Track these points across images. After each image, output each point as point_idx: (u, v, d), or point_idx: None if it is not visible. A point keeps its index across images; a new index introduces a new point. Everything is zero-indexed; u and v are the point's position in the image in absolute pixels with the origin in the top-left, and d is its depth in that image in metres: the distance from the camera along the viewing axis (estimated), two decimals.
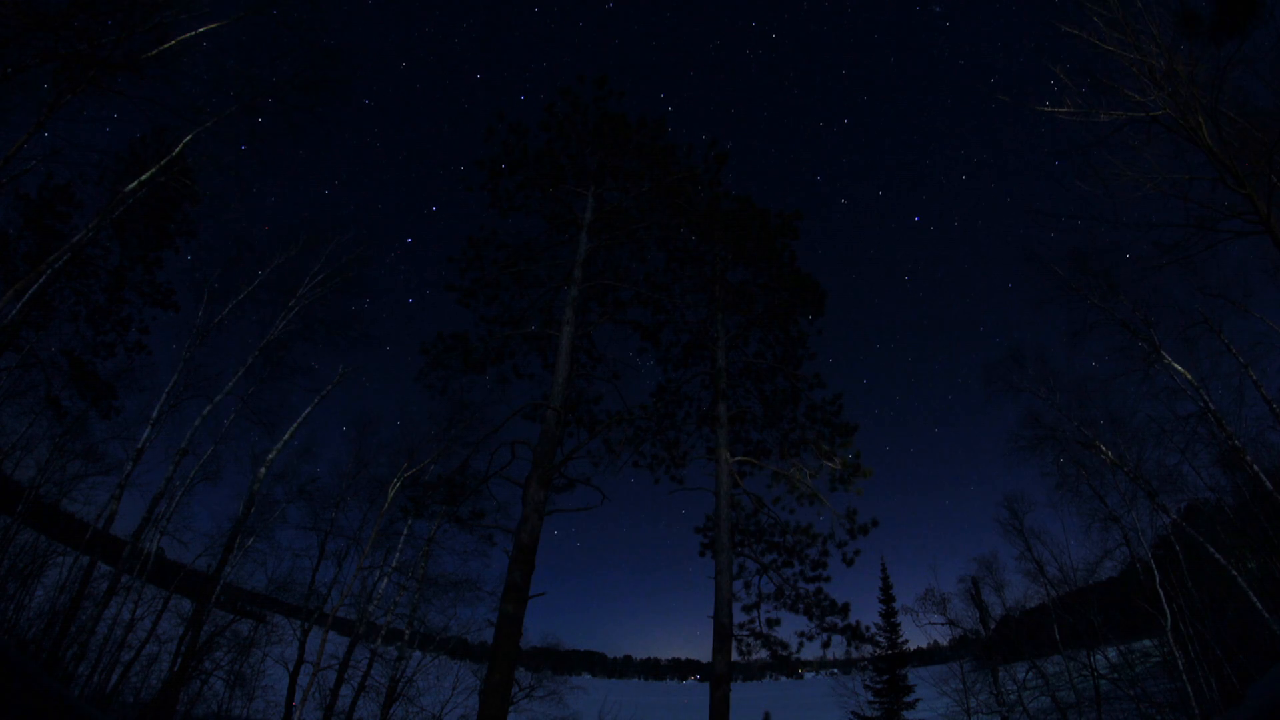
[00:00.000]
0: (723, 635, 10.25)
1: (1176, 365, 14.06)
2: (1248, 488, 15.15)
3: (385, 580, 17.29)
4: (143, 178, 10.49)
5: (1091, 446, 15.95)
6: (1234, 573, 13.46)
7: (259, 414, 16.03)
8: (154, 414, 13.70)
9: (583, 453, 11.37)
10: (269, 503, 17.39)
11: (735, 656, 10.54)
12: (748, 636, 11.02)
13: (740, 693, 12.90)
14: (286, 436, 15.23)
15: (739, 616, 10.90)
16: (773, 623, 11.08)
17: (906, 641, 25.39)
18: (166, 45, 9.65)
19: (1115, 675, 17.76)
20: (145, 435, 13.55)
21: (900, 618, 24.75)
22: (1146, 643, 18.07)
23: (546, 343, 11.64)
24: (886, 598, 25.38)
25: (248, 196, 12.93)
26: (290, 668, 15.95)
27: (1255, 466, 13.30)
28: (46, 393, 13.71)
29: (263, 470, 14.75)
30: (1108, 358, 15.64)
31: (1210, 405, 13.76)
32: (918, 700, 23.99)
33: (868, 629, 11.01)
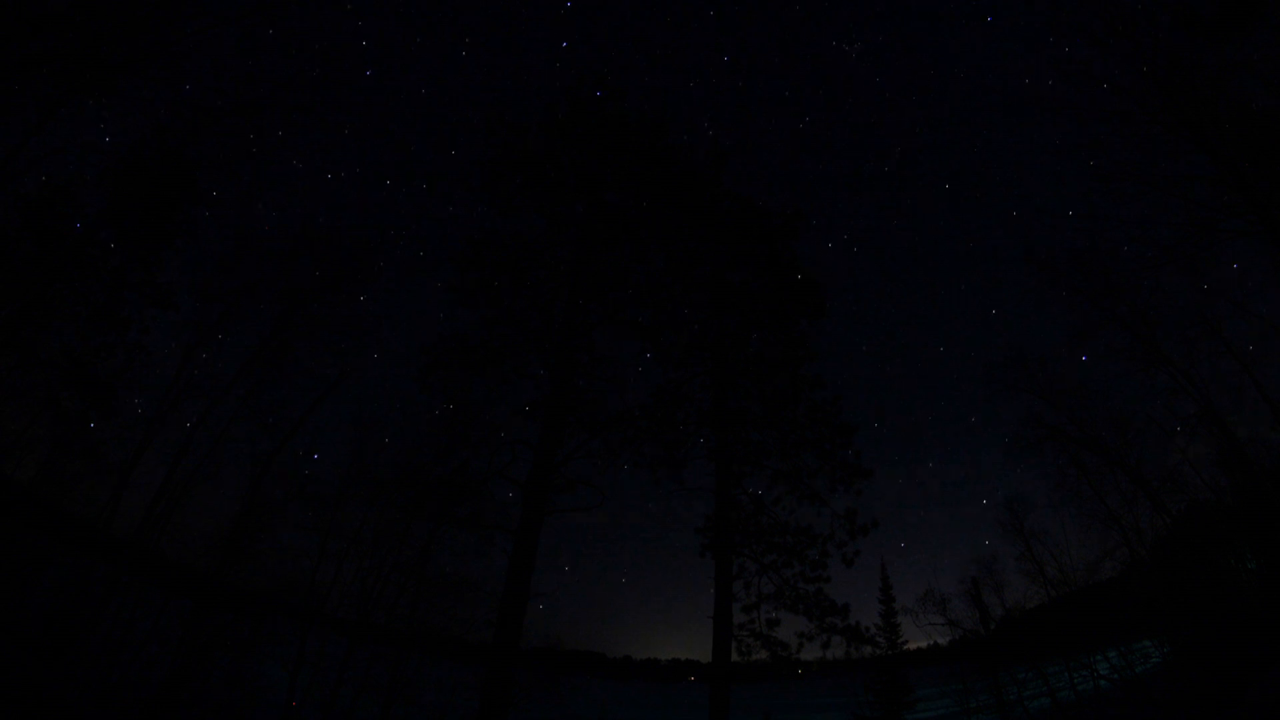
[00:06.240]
0: (723, 635, 10.24)
1: (1176, 365, 14.06)
2: (1248, 487, 15.14)
3: (385, 580, 17.29)
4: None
5: (1092, 446, 15.95)
6: (1234, 573, 13.44)
7: (259, 414, 16.01)
8: (153, 414, 13.69)
9: (583, 453, 11.37)
10: (269, 503, 17.38)
11: (735, 656, 10.52)
12: (748, 636, 10.99)
13: (740, 693, 12.88)
14: (287, 436, 15.24)
15: (739, 616, 10.88)
16: (773, 623, 11.05)
17: (906, 642, 25.36)
18: (166, 46, 9.66)
19: (1115, 675, 17.73)
20: (144, 435, 13.53)
21: (900, 618, 24.72)
22: (1146, 643, 18.05)
23: (546, 343, 11.63)
24: (886, 598, 25.35)
25: (248, 196, 12.94)
26: (290, 668, 15.93)
27: (1255, 466, 13.30)
28: (46, 393, 13.69)
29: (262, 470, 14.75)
30: (1108, 358, 15.65)
31: (1210, 405, 13.76)
32: (918, 701, 23.96)
33: (868, 629, 10.97)
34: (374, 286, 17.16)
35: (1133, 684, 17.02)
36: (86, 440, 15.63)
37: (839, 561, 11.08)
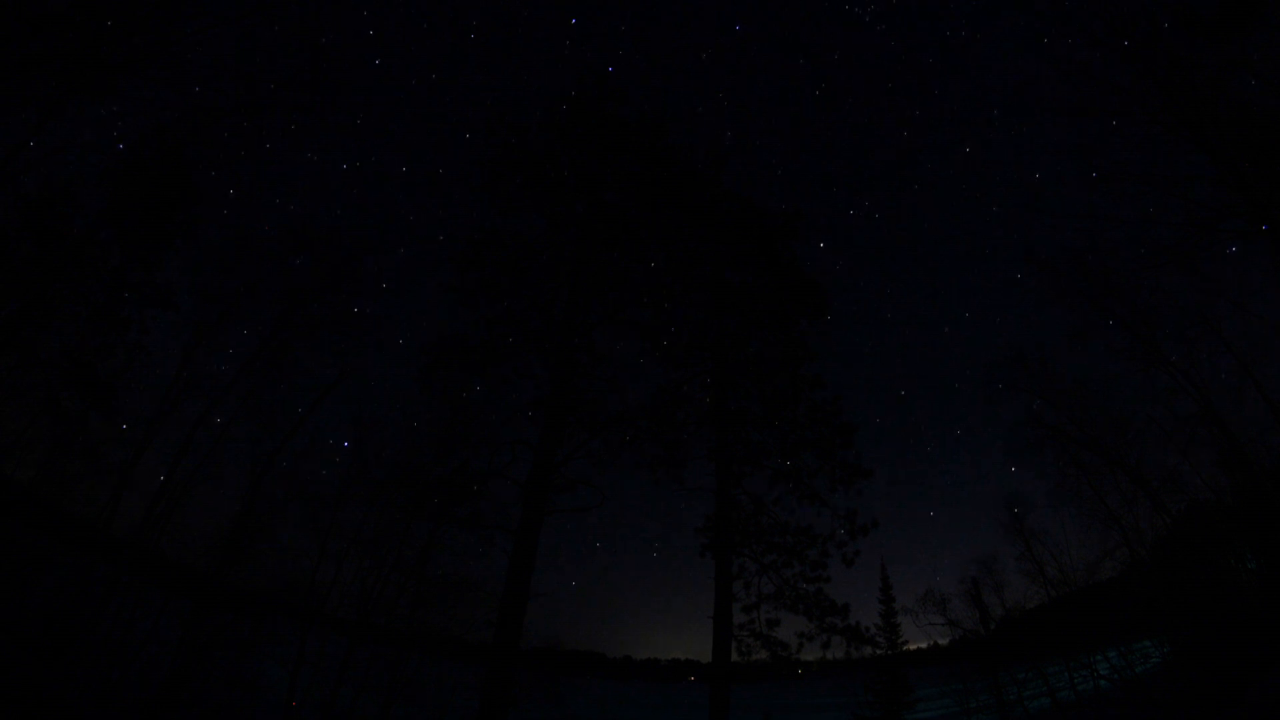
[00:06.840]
0: (723, 635, 10.24)
1: (1176, 365, 14.05)
2: (1248, 487, 15.13)
3: (385, 580, 17.28)
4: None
5: (1092, 446, 15.95)
6: (1234, 573, 13.44)
7: (259, 414, 16.01)
8: (153, 414, 13.69)
9: (583, 453, 11.38)
10: (269, 503, 17.37)
11: (735, 656, 10.53)
12: (748, 636, 11.00)
13: (740, 693, 12.87)
14: (287, 436, 15.23)
15: (739, 616, 10.89)
16: (773, 623, 11.06)
17: (906, 642, 25.36)
18: (166, 46, 9.65)
19: (1115, 675, 17.73)
20: (144, 435, 13.53)
21: (900, 618, 24.73)
22: (1146, 643, 18.06)
23: (546, 343, 11.64)
24: (886, 598, 25.35)
25: (248, 196, 12.94)
26: (290, 668, 15.93)
27: (1255, 466, 13.30)
28: (46, 393, 13.69)
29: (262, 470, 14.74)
30: (1108, 358, 15.64)
31: (1210, 405, 13.76)
32: (918, 701, 23.97)
33: (867, 629, 10.99)
34: (374, 286, 17.16)
35: (1133, 684, 17.01)
36: (86, 440, 15.62)
37: (839, 561, 11.09)
